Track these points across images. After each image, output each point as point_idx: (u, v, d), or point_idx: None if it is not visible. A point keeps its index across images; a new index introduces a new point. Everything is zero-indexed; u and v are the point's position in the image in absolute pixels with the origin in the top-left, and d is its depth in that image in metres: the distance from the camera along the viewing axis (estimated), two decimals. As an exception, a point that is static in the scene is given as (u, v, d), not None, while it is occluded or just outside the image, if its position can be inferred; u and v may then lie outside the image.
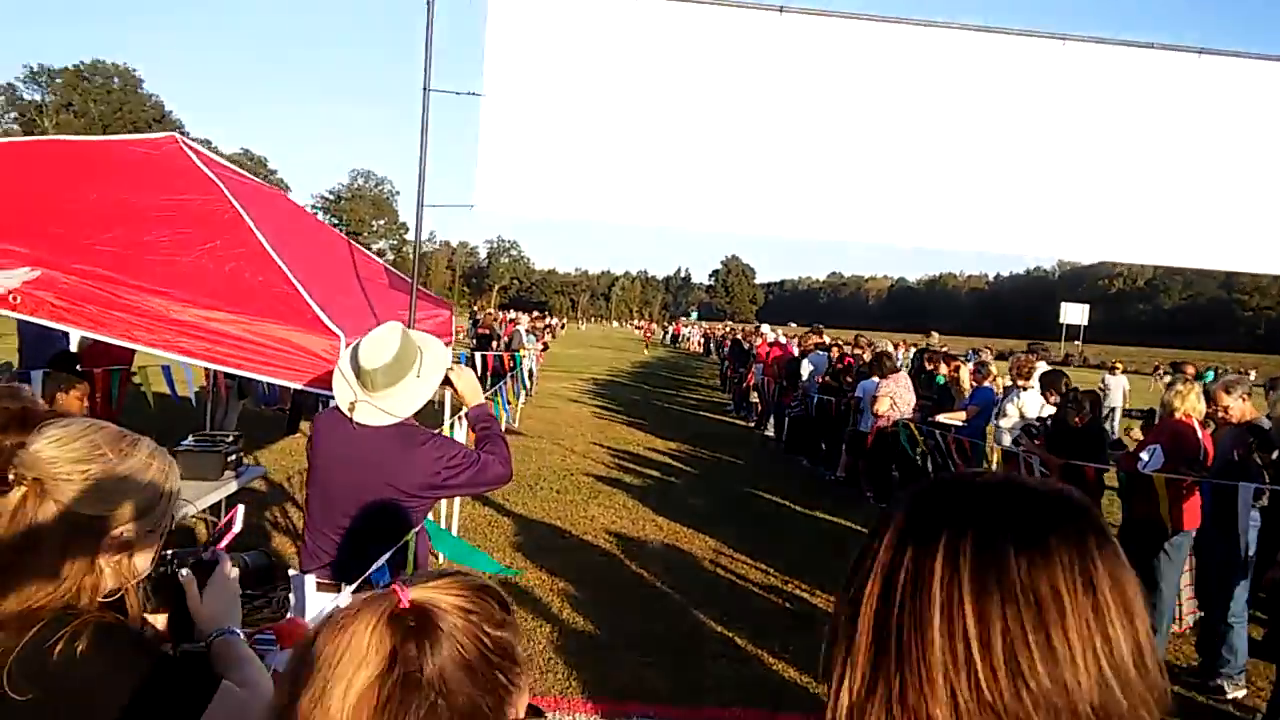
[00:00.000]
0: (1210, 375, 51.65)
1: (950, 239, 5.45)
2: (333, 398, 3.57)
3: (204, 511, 6.14)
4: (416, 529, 3.47)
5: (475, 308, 44.35)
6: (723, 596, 7.31)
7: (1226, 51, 5.48)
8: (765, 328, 21.81)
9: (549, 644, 6.06)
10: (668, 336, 70.01)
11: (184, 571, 1.87)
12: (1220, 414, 6.33)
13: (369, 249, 7.55)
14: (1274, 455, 5.62)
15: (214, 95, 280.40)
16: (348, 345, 4.12)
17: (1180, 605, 6.63)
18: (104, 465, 1.64)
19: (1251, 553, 5.78)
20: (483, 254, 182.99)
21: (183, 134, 6.05)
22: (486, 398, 3.85)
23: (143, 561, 1.72)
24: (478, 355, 17.36)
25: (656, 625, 6.51)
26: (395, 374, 3.38)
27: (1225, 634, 5.89)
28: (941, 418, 10.57)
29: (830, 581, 7.72)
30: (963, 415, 10.39)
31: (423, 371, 3.49)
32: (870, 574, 0.94)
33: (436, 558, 3.90)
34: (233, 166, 6.03)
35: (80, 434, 1.65)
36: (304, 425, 13.68)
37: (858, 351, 15.27)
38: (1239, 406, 6.13)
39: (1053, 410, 8.36)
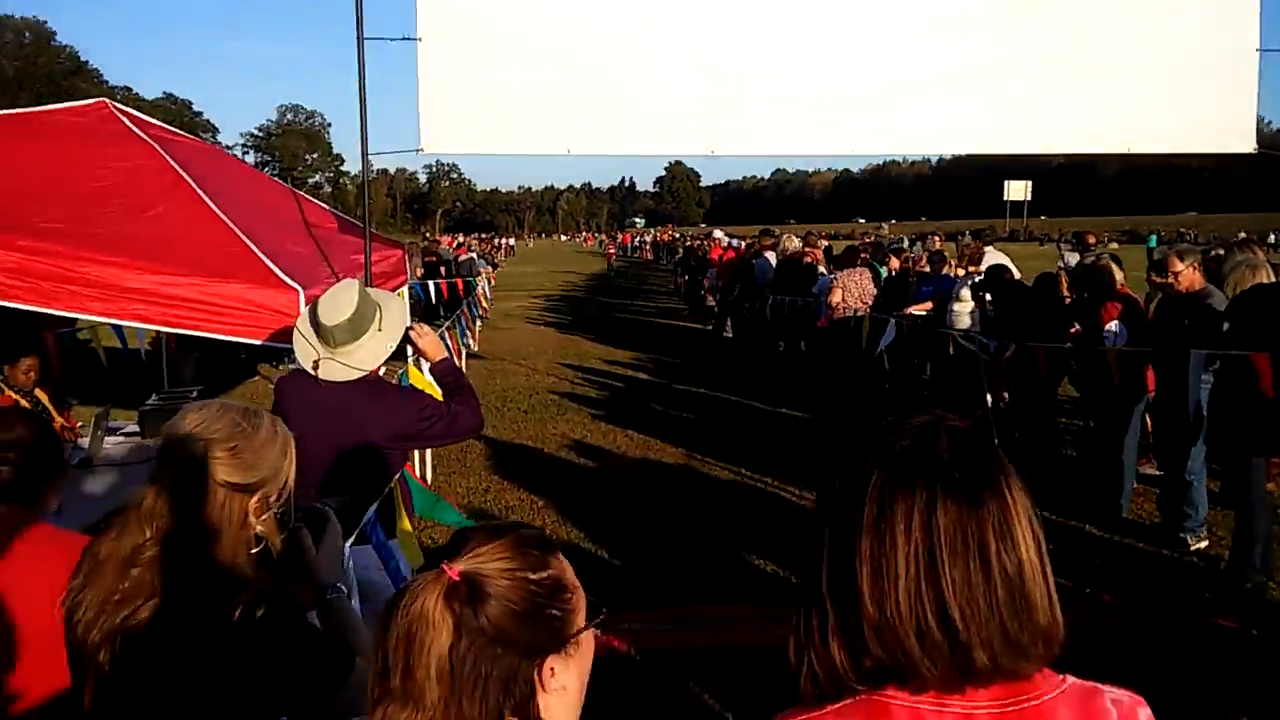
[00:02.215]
0: (1153, 240, 52.14)
1: (884, 144, 5.49)
2: (292, 352, 3.60)
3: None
4: (396, 478, 3.54)
5: (427, 237, 43.62)
6: (699, 500, 7.52)
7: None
8: (718, 233, 21.84)
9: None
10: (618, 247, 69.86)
11: (301, 527, 2.08)
12: (1170, 279, 6.47)
13: (305, 184, 7.46)
14: (1224, 326, 5.78)
15: (129, 41, 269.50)
16: (305, 298, 4.14)
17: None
18: (244, 439, 1.90)
19: (1205, 413, 6.02)
20: (423, 179, 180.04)
21: (100, 82, 5.91)
22: (446, 326, 3.90)
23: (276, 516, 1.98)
24: (430, 284, 17.29)
25: (640, 533, 6.70)
26: (357, 329, 3.41)
27: (1185, 491, 6.17)
28: (911, 310, 10.73)
29: (796, 475, 7.94)
30: (929, 305, 10.56)
31: (384, 325, 3.53)
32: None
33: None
34: (163, 125, 5.89)
35: (219, 415, 1.92)
36: (261, 367, 13.64)
37: (809, 250, 15.37)
38: (1189, 275, 6.25)
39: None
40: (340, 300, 3.41)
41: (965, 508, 1.03)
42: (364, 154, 5.16)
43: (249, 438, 1.91)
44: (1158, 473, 7.06)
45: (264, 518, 1.91)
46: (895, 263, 11.74)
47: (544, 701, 1.22)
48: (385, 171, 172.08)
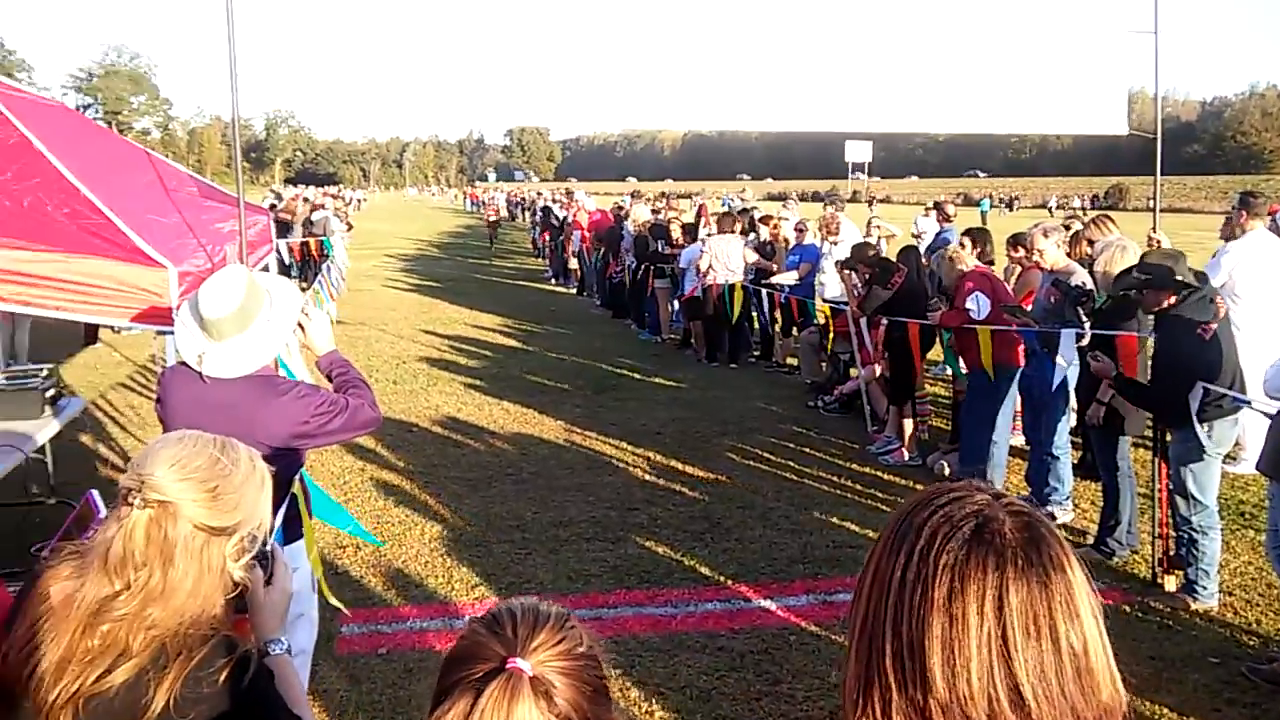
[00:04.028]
0: (985, 204, 54.51)
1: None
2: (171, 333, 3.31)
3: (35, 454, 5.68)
4: (297, 480, 3.31)
5: (271, 191, 41.14)
6: (583, 474, 7.42)
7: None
8: (580, 193, 21.49)
9: (421, 544, 6.00)
10: (466, 202, 68.37)
11: (255, 569, 1.88)
12: (1035, 258, 6.69)
13: (131, 129, 6.92)
14: (1089, 305, 6.00)
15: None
16: (176, 276, 3.84)
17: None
18: (224, 479, 1.72)
19: (1072, 388, 6.29)
20: (259, 126, 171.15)
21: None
22: (310, 293, 3.65)
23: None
24: (282, 244, 16.44)
25: (525, 512, 6.56)
26: (242, 321, 3.14)
27: (1051, 465, 6.39)
28: (776, 279, 10.87)
29: (682, 448, 7.94)
30: (794, 275, 10.70)
31: (273, 316, 3.26)
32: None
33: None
34: (5, 80, 5.30)
35: (197, 451, 1.73)
36: (104, 334, 12.77)
37: (672, 214, 15.35)
38: (1053, 254, 6.46)
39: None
40: (224, 290, 3.12)
41: (1035, 589, 1.06)
42: (234, 117, 4.76)
43: (229, 476, 1.74)
44: (1025, 446, 7.35)
45: (241, 562, 1.75)
46: (767, 232, 11.83)
47: None
48: (219, 118, 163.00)
